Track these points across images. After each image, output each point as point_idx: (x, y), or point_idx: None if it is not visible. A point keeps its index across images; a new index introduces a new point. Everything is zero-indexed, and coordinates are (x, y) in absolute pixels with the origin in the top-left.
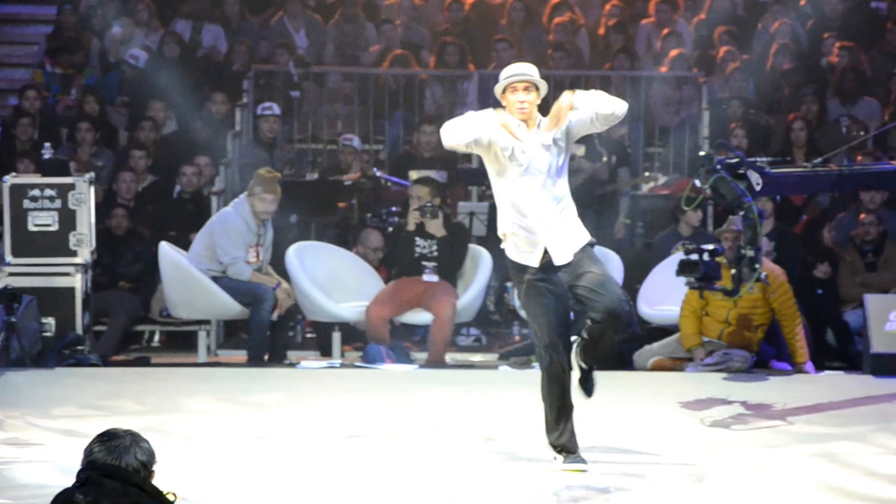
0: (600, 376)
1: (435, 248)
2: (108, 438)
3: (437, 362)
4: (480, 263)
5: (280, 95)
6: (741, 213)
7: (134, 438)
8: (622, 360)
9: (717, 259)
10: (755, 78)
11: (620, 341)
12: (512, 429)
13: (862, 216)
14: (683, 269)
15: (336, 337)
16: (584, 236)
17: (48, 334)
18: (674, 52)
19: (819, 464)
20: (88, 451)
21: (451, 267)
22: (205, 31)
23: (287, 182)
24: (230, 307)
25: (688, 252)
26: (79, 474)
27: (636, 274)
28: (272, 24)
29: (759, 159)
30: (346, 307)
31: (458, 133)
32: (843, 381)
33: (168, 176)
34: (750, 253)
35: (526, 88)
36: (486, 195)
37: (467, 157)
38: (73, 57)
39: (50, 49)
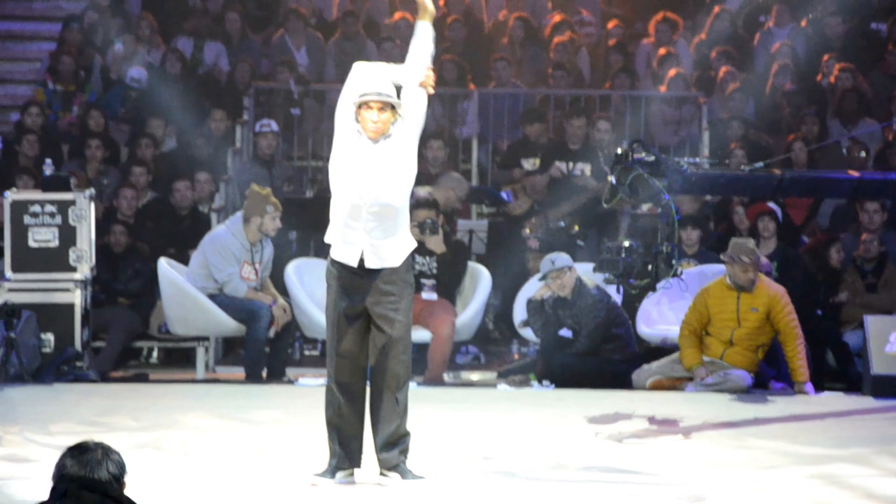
0: (598, 395)
1: (434, 265)
2: (79, 452)
3: (435, 380)
4: (480, 281)
5: (280, 113)
6: (658, 210)
7: (105, 451)
8: (620, 380)
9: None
10: (755, 98)
11: (619, 360)
12: (510, 447)
13: (863, 237)
14: (602, 266)
15: None
16: (402, 253)
17: (47, 350)
18: (673, 72)
19: (818, 486)
20: (61, 466)
21: (450, 284)
22: (206, 48)
23: (286, 199)
24: (226, 324)
25: (608, 250)
26: (56, 487)
27: (635, 293)
28: (273, 41)
29: (686, 159)
30: None
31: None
32: (842, 402)
33: (168, 192)
34: (666, 249)
35: (381, 108)
36: (486, 213)
37: (467, 175)
38: (75, 74)
39: (52, 66)
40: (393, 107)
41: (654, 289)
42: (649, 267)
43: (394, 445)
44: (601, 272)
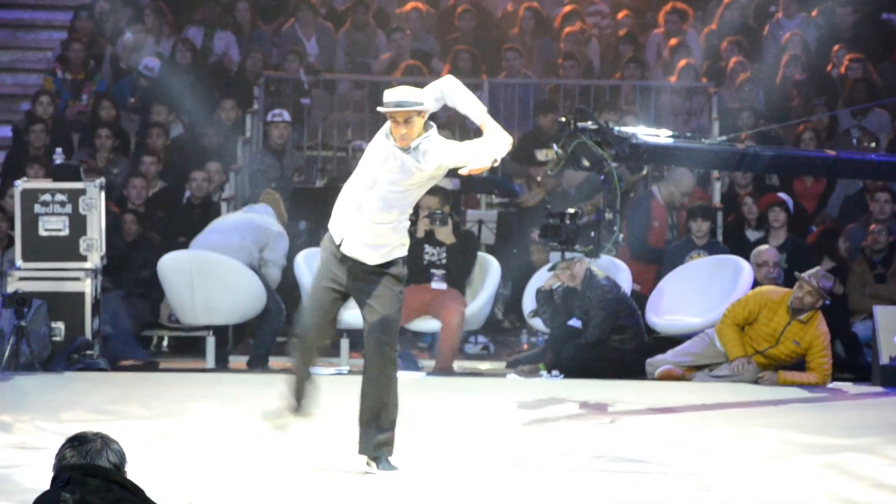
0: (608, 385)
1: (444, 255)
2: (78, 443)
3: (444, 370)
4: (489, 271)
5: (290, 102)
6: (602, 177)
7: (104, 441)
8: (629, 370)
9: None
10: (765, 89)
11: (629, 350)
12: (518, 436)
13: (871, 227)
14: (546, 232)
15: (344, 344)
16: (388, 254)
17: (57, 339)
18: (683, 63)
19: (827, 475)
20: (61, 457)
21: (459, 274)
22: (216, 37)
23: (296, 189)
24: (257, 309)
25: (550, 216)
26: (58, 476)
27: (645, 283)
28: (284, 31)
29: (635, 131)
30: (355, 314)
31: None
32: (852, 392)
33: (178, 182)
34: (609, 216)
35: (406, 120)
36: (495, 203)
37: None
38: (84, 63)
39: (62, 55)
40: (419, 112)
41: (597, 255)
42: (592, 234)
43: (374, 435)
44: (545, 238)
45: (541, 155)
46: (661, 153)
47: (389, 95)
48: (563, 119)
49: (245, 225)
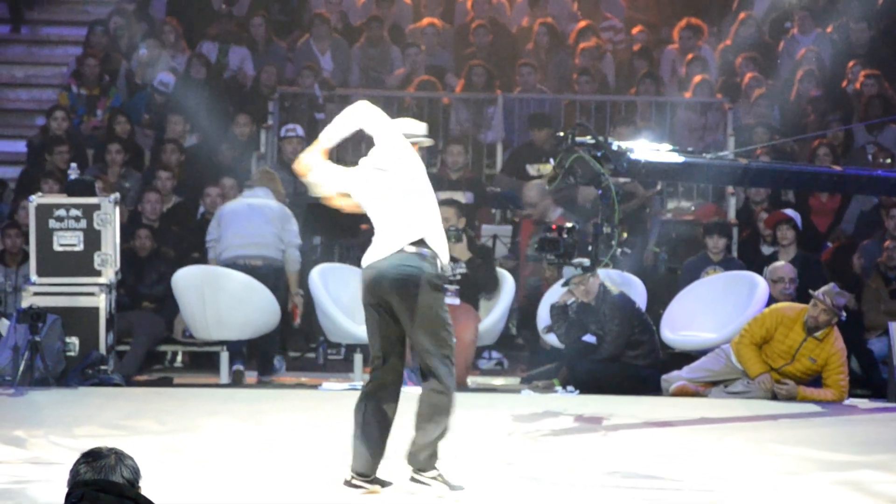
0: (622, 401)
1: (457, 270)
2: (93, 458)
3: (458, 385)
4: (503, 286)
5: (305, 117)
6: (599, 191)
7: (119, 457)
8: (644, 385)
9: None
10: (780, 104)
11: (643, 366)
12: (533, 452)
13: (886, 243)
14: (543, 246)
15: (358, 359)
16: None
17: (71, 354)
18: (697, 78)
19: (842, 492)
20: (75, 472)
21: (480, 289)
22: (231, 53)
23: (311, 204)
24: (269, 323)
25: (548, 231)
26: (72, 491)
27: (659, 299)
28: (298, 46)
29: (633, 146)
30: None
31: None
32: (867, 408)
33: (192, 197)
34: (607, 230)
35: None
36: (510, 218)
37: (492, 179)
38: (99, 78)
39: (77, 70)
40: None
41: (594, 269)
42: (590, 247)
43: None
44: (542, 251)
45: (532, 170)
46: (660, 168)
47: (420, 128)
48: (562, 134)
49: (266, 214)
